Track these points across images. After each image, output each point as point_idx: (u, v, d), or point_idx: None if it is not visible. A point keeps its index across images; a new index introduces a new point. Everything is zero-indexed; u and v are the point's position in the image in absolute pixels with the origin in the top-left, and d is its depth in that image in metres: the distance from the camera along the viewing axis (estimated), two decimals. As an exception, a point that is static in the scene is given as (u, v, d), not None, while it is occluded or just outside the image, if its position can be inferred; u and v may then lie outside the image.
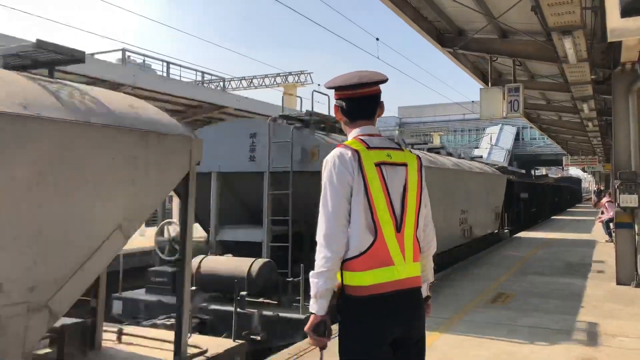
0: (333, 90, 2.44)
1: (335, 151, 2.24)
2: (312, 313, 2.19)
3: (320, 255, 2.15)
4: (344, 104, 2.37)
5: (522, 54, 9.49)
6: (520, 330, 5.73)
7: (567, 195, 45.27)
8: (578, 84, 9.74)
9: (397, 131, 54.97)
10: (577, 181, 64.01)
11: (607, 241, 14.42)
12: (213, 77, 30.15)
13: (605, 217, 14.83)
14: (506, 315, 6.37)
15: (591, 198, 54.72)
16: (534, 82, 12.56)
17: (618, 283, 8.28)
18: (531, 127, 47.95)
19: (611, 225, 14.00)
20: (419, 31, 9.35)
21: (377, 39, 14.24)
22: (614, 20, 4.72)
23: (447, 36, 9.98)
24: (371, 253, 2.17)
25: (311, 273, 2.18)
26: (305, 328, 2.20)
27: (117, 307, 6.93)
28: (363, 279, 2.17)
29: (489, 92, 9.75)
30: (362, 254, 2.17)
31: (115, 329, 4.30)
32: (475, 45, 9.76)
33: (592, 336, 5.52)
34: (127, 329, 4.56)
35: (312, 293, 2.17)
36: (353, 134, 2.35)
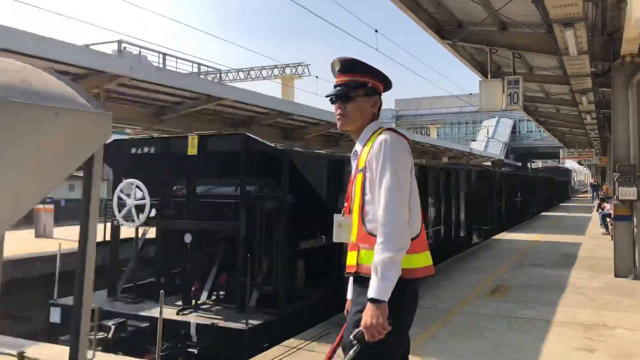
0: (361, 78, 2.43)
1: (393, 134, 2.31)
2: (381, 301, 2.09)
3: (399, 236, 2.14)
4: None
5: (522, 46, 9.47)
6: (520, 322, 5.75)
7: (547, 190, 31.30)
8: (578, 77, 9.73)
9: (394, 124, 54.95)
10: (565, 172, 52.17)
11: (603, 234, 14.48)
12: (209, 69, 30.05)
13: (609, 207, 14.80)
14: (505, 307, 6.39)
15: (587, 191, 54.18)
16: (533, 75, 12.55)
17: (616, 275, 8.31)
18: (528, 120, 48.01)
19: (608, 219, 14.06)
20: (418, 23, 9.31)
21: (376, 31, 14.19)
22: (639, 9, 4.73)
23: (447, 28, 9.94)
24: (422, 236, 2.32)
25: (388, 256, 2.11)
26: (380, 320, 2.07)
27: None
28: (419, 260, 2.27)
29: (489, 84, 9.74)
30: (417, 236, 2.29)
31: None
32: (474, 37, 9.73)
33: (592, 328, 5.54)
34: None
35: (391, 277, 2.10)
36: (374, 125, 2.42)
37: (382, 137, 2.26)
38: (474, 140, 51.99)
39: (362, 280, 2.24)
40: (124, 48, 22.91)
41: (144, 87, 10.21)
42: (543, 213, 24.70)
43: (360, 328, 2.11)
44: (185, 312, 5.68)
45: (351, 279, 2.50)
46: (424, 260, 2.29)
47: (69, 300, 5.82)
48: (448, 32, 9.90)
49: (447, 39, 9.96)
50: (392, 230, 2.13)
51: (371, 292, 2.11)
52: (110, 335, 5.18)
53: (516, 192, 20.29)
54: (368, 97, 2.40)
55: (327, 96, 2.47)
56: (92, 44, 20.87)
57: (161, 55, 24.96)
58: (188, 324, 5.37)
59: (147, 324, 5.47)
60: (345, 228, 2.41)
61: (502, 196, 17.49)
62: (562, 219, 20.47)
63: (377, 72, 2.44)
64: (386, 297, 2.09)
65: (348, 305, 2.53)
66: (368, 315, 2.09)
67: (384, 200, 2.17)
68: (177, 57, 26.42)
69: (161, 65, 24.58)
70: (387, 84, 2.49)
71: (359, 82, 2.40)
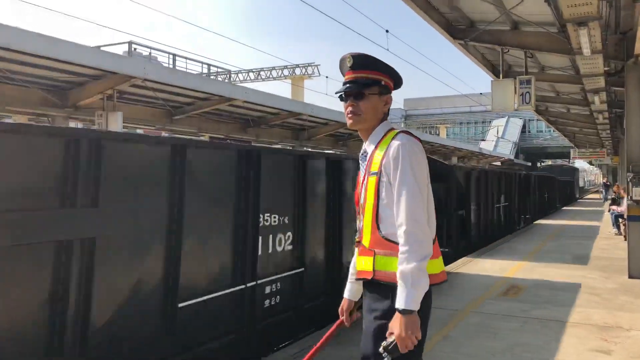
0: (375, 75, 2.33)
1: (409, 137, 2.24)
2: (413, 311, 2.02)
3: (424, 243, 2.09)
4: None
5: (534, 45, 9.42)
6: (533, 322, 5.73)
7: (545, 192, 24.39)
8: (590, 76, 9.66)
9: (402, 124, 54.87)
10: (571, 171, 45.56)
11: (616, 234, 14.38)
12: (219, 69, 30.17)
13: (619, 209, 14.68)
14: (518, 307, 6.36)
15: (598, 191, 53.46)
16: (545, 74, 12.49)
17: (630, 277, 8.25)
18: (538, 120, 47.78)
19: (620, 219, 13.97)
20: (430, 22, 9.30)
21: (387, 31, 14.19)
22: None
23: (458, 28, 9.92)
24: (436, 242, 2.27)
25: (417, 264, 2.03)
26: (414, 330, 2.01)
27: None
28: (437, 266, 2.23)
29: (501, 84, 9.71)
30: (434, 241, 2.23)
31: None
32: (486, 37, 9.69)
33: (606, 329, 5.51)
34: None
35: (423, 286, 2.05)
36: (385, 126, 2.35)
37: (398, 140, 2.19)
38: (483, 140, 51.82)
39: (379, 286, 2.18)
40: (135, 49, 23.07)
41: (156, 88, 10.28)
42: (539, 221, 20.08)
43: (392, 339, 2.02)
44: None
45: (354, 282, 2.47)
46: (440, 265, 2.26)
47: None
48: (460, 31, 9.88)
49: (459, 39, 9.93)
50: (417, 238, 2.07)
51: (401, 303, 2.02)
52: None
53: (497, 195, 14.30)
54: (381, 95, 2.32)
55: (337, 93, 2.36)
56: (103, 45, 21.04)
57: (171, 56, 25.11)
58: None
59: None
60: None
61: (470, 201, 11.72)
62: (562, 231, 16.01)
63: (390, 70, 2.35)
64: (417, 306, 2.03)
65: (344, 303, 2.51)
66: (401, 327, 2.00)
67: (405, 207, 2.10)
68: (186, 58, 26.61)
69: (171, 66, 24.73)
70: (397, 82, 2.40)
71: (373, 80, 2.30)
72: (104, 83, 9.41)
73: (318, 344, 2.49)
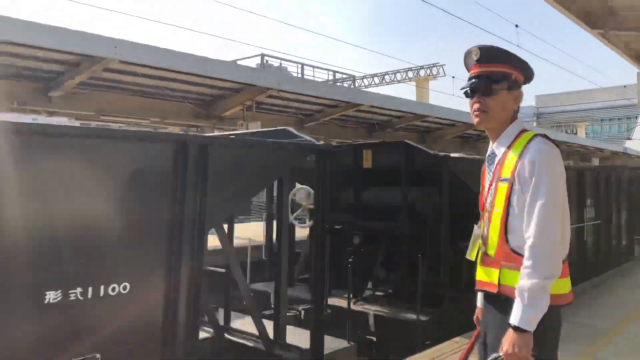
0: (504, 69, 2.16)
1: (548, 142, 2.06)
2: (526, 330, 1.90)
3: (552, 260, 1.94)
4: None
5: (690, 28, 8.53)
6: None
7: None
8: None
9: (534, 122, 51.74)
10: None
11: None
12: (344, 75, 30.95)
13: None
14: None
15: None
16: (703, 60, 11.18)
17: None
18: (697, 112, 42.20)
19: None
20: (564, 13, 8.84)
21: (517, 26, 13.69)
22: None
23: (597, 16, 9.30)
24: (567, 259, 2.11)
25: (539, 282, 1.90)
26: (523, 351, 1.88)
27: None
28: (563, 285, 2.07)
29: (649, 74, 8.93)
30: (565, 260, 2.07)
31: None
32: (631, 23, 8.98)
33: None
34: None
35: (541, 306, 1.91)
36: (517, 126, 2.18)
37: (535, 145, 2.03)
38: (629, 139, 46.90)
39: (507, 301, 2.03)
40: (266, 61, 24.61)
41: (289, 98, 10.98)
42: None
43: (500, 354, 1.95)
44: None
45: (481, 294, 2.33)
46: (567, 285, 2.09)
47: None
48: (599, 20, 9.26)
49: (598, 28, 9.32)
50: (544, 254, 1.93)
51: (515, 320, 1.92)
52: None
53: (578, 209, 8.66)
54: (510, 90, 2.14)
55: (462, 89, 2.21)
56: (239, 59, 22.74)
57: (299, 66, 26.37)
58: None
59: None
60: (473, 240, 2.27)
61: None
62: None
63: (520, 62, 2.17)
64: (533, 327, 1.89)
65: (478, 312, 2.41)
66: (510, 343, 1.90)
67: (537, 219, 1.95)
68: (313, 67, 27.74)
69: (299, 75, 25.97)
70: (528, 76, 2.22)
71: (503, 74, 2.12)
72: (244, 95, 10.27)
73: (462, 356, 2.44)
